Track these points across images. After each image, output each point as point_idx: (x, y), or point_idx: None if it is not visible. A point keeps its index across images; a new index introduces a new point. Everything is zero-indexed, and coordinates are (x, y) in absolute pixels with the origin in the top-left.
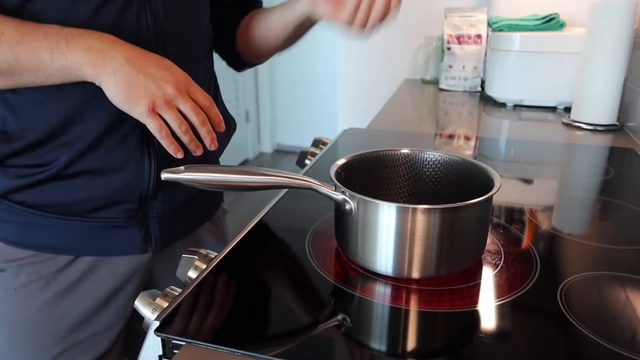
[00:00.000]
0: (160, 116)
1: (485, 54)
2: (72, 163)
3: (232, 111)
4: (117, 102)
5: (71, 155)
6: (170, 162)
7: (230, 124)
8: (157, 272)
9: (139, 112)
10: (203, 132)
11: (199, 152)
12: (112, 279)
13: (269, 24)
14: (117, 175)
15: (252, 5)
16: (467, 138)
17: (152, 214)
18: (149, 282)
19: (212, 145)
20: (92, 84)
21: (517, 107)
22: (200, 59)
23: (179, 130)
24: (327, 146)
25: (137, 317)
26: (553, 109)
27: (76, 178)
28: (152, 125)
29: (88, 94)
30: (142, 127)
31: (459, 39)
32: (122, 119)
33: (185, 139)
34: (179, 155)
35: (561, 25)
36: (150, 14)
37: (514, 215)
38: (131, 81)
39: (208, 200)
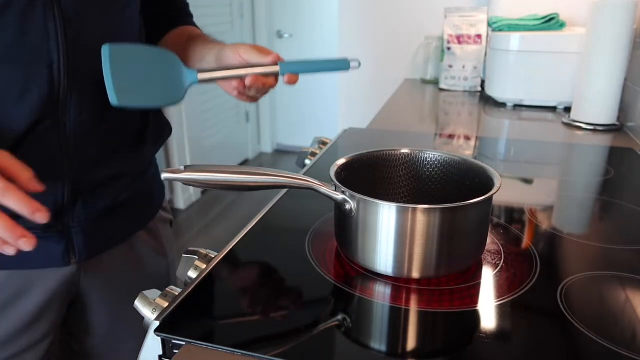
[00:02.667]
0: None
1: (485, 54)
2: None
3: (232, 111)
4: None
5: None
6: (87, 168)
7: (165, 128)
8: (85, 285)
9: None
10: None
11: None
12: (32, 294)
13: (186, 63)
14: None
15: (181, 21)
16: (467, 138)
17: (73, 223)
18: (76, 297)
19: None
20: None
21: (517, 107)
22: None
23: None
24: (327, 146)
25: (72, 333)
26: (553, 109)
27: None
28: None
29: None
30: (54, 130)
31: (459, 39)
32: (32, 124)
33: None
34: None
35: (561, 25)
36: (58, 11)
37: (514, 215)
38: None
39: (140, 207)
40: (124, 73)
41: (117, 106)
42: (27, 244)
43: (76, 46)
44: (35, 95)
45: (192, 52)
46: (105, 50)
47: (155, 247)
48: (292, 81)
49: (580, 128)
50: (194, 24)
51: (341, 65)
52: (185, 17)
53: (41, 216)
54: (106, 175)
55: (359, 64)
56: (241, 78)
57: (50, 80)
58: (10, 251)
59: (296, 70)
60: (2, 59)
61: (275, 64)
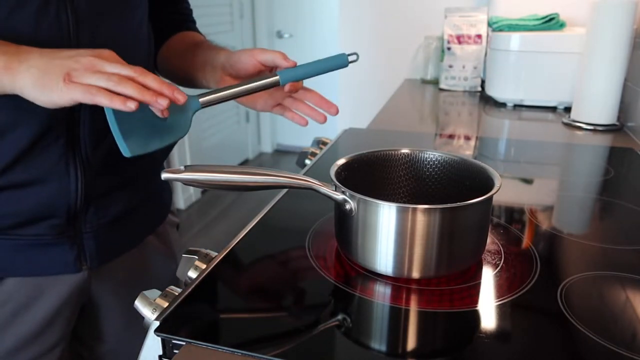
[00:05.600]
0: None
1: (485, 54)
2: None
3: (232, 111)
4: (37, 95)
5: None
6: (100, 173)
7: None
8: (96, 291)
9: (59, 90)
10: (149, 81)
11: (162, 103)
12: (43, 301)
13: (190, 67)
14: (39, 188)
15: (184, 26)
16: (467, 138)
17: (85, 228)
18: (86, 303)
19: (177, 95)
20: (12, 100)
21: (517, 107)
22: (136, 61)
23: (110, 83)
24: (327, 146)
25: (81, 340)
26: (553, 109)
27: None
28: (77, 93)
29: (15, 102)
30: (67, 136)
31: (459, 39)
32: (46, 128)
33: (127, 89)
34: (130, 105)
35: (561, 25)
36: (72, 12)
37: (514, 215)
38: (46, 69)
39: (151, 211)
40: (130, 123)
41: (130, 157)
42: (180, 95)
43: (90, 48)
44: None
45: (196, 57)
46: None
47: (164, 251)
48: (295, 89)
49: (580, 128)
50: (197, 30)
51: (340, 61)
52: (189, 22)
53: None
54: (118, 180)
55: (357, 57)
56: (246, 94)
57: None
58: (163, 102)
59: (296, 77)
60: None
61: (294, 65)
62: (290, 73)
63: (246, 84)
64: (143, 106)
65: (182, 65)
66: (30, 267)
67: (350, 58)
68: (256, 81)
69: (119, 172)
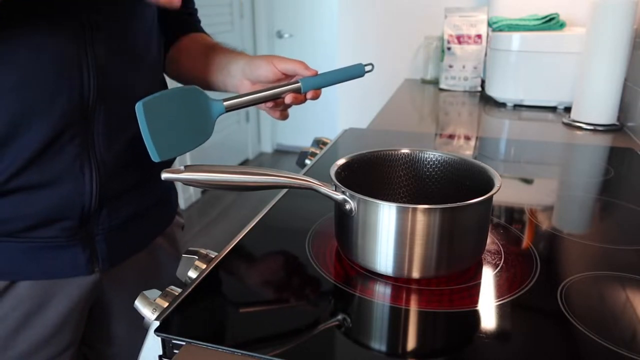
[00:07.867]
0: None
1: (485, 54)
2: (9, 180)
3: (232, 111)
4: None
5: (10, 172)
6: (114, 174)
7: None
8: (106, 294)
9: None
10: None
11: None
12: (55, 303)
13: (204, 70)
14: (54, 189)
15: (192, 26)
16: (467, 138)
17: (97, 230)
18: (96, 306)
19: None
20: (30, 92)
21: (517, 107)
22: (148, 60)
23: None
24: (327, 146)
25: (89, 343)
26: (553, 109)
27: (9, 195)
28: None
29: (28, 102)
30: (82, 135)
31: (459, 39)
32: (61, 127)
33: None
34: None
35: (561, 25)
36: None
37: (514, 215)
38: None
39: (160, 213)
40: (159, 128)
41: (159, 161)
42: None
43: (106, 52)
44: (65, 100)
45: (211, 61)
46: (140, 108)
47: (172, 253)
48: (316, 96)
49: (580, 128)
50: (203, 31)
51: (357, 71)
52: (195, 23)
53: None
54: (131, 181)
55: (372, 67)
56: (268, 100)
57: (80, 86)
58: None
59: (317, 85)
60: (31, 58)
61: (315, 73)
62: (311, 81)
63: (269, 90)
64: (172, 110)
65: (195, 68)
66: (42, 270)
67: (366, 68)
68: (279, 87)
69: (131, 172)
